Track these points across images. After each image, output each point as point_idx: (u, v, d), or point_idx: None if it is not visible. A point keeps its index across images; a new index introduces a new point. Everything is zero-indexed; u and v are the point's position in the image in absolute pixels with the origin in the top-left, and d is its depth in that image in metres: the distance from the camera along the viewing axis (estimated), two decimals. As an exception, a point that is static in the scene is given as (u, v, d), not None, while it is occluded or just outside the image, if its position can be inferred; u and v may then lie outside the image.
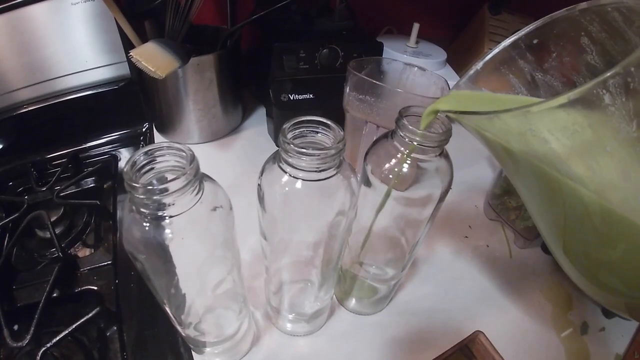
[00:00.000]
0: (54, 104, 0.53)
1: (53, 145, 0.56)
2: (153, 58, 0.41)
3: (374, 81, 0.42)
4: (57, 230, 0.48)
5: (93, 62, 0.52)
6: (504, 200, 0.51)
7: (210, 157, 0.59)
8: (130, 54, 0.39)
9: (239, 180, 0.54)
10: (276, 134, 0.58)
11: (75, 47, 0.51)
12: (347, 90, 0.46)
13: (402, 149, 0.27)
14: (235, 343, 0.36)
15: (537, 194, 0.21)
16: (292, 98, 0.53)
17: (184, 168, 0.21)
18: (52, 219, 0.47)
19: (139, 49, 0.41)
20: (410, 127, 0.26)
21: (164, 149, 0.22)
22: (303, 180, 0.24)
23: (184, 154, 0.22)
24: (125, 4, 0.46)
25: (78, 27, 0.50)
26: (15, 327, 0.40)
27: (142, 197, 0.20)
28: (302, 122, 0.25)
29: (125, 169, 0.20)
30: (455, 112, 0.21)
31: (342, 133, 0.24)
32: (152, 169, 0.22)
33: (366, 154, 0.30)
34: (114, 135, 0.60)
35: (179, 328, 0.31)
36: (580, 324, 0.42)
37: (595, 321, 0.43)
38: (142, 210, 0.21)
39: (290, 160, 0.23)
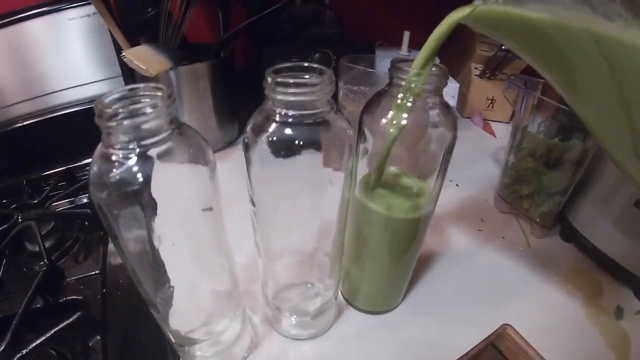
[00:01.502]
0: (49, 118, 0.54)
1: (49, 162, 0.56)
2: (145, 58, 0.41)
3: (367, 69, 0.42)
4: (47, 244, 0.46)
5: (89, 76, 0.53)
6: (515, 189, 0.48)
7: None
8: (123, 53, 0.40)
9: (235, 191, 0.52)
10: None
11: (71, 62, 0.53)
12: (341, 84, 0.46)
13: (400, 96, 0.25)
14: (226, 347, 0.32)
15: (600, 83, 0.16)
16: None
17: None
18: (43, 233, 0.46)
19: (132, 49, 0.41)
20: (406, 68, 0.24)
21: (140, 89, 0.21)
22: (292, 123, 0.22)
23: (159, 92, 0.21)
24: (120, 17, 0.48)
25: (74, 42, 0.51)
26: None
27: (112, 124, 0.18)
28: (286, 68, 0.24)
29: (97, 101, 0.19)
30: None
31: (333, 77, 0.23)
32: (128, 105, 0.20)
33: (361, 113, 0.28)
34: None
35: (163, 327, 0.28)
36: (614, 309, 0.39)
37: (630, 305, 0.39)
38: (114, 148, 0.19)
39: (277, 96, 0.22)
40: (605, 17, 0.14)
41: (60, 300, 0.40)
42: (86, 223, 0.49)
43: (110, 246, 0.45)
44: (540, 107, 0.45)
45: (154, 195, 0.21)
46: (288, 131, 0.23)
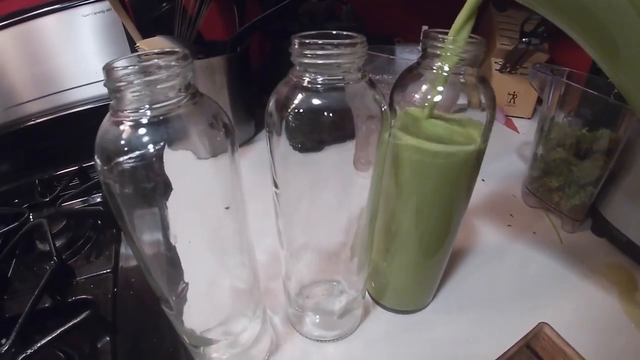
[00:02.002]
0: (62, 116, 0.53)
1: (61, 160, 0.55)
2: (160, 48, 0.40)
3: (390, 56, 0.41)
4: (58, 243, 0.45)
5: (102, 73, 0.52)
6: (544, 182, 0.46)
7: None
8: (137, 44, 0.39)
9: (255, 188, 0.50)
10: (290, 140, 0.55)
11: (85, 59, 0.52)
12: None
13: (434, 68, 0.23)
14: (244, 349, 0.30)
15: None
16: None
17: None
18: (54, 231, 0.44)
19: (147, 40, 0.41)
20: (440, 36, 0.23)
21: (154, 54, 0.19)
22: (320, 90, 0.21)
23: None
24: (133, 12, 0.47)
25: (88, 38, 0.51)
26: (3, 340, 0.34)
27: (121, 83, 0.17)
28: (314, 34, 0.22)
29: (106, 64, 0.18)
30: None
31: (366, 42, 0.21)
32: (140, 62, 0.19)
33: (391, 92, 0.26)
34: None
35: (177, 325, 0.26)
36: (650, 304, 0.36)
37: (666, 300, 0.36)
38: (123, 112, 0.18)
39: (304, 60, 0.20)
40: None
41: (69, 300, 0.38)
42: (99, 222, 0.47)
43: (123, 245, 0.43)
44: (567, 95, 0.43)
45: (168, 177, 0.19)
46: (316, 101, 0.21)
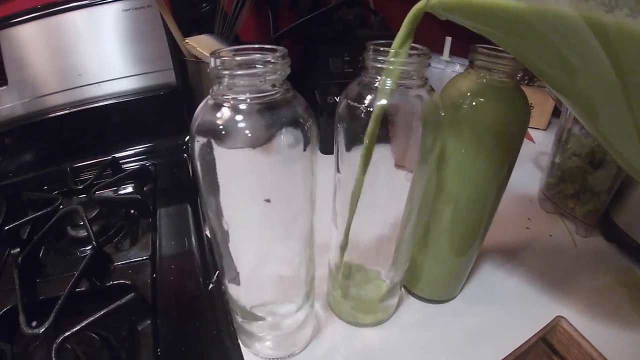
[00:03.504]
0: (94, 108, 0.54)
1: (90, 152, 0.56)
2: (207, 46, 0.42)
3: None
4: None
5: (139, 68, 0.54)
6: (561, 189, 0.49)
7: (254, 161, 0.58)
8: (186, 40, 0.41)
9: (281, 179, 0.52)
10: (323, 143, 0.57)
11: (120, 53, 0.53)
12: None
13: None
14: (288, 332, 0.31)
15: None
16: (338, 100, 0.53)
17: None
18: (88, 218, 0.45)
19: (194, 37, 0.42)
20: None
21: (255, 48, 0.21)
22: (389, 90, 0.23)
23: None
24: (173, 11, 0.49)
25: (126, 33, 0.52)
26: (34, 323, 0.34)
27: (226, 72, 0.18)
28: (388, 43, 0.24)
29: (213, 51, 0.19)
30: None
31: (430, 54, 0.23)
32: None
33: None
34: (154, 145, 0.59)
35: (230, 296, 0.27)
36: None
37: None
38: (224, 97, 0.20)
39: (378, 65, 0.22)
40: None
41: (108, 284, 0.39)
42: (132, 211, 0.48)
43: (159, 234, 0.44)
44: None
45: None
46: (383, 101, 0.23)
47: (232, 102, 0.20)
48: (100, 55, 0.53)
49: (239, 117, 0.20)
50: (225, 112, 0.20)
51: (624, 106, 0.14)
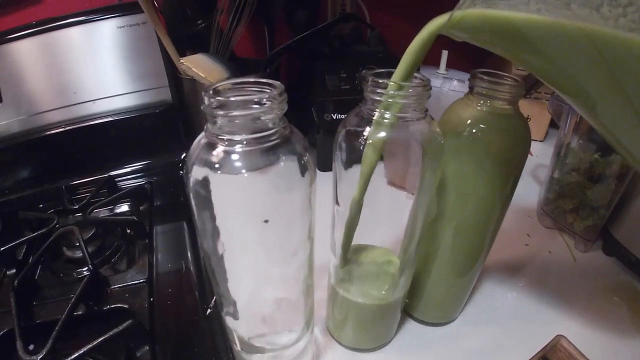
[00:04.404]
0: (90, 126, 0.53)
1: (87, 169, 0.56)
2: (202, 66, 0.42)
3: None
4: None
5: (133, 86, 0.53)
6: (560, 204, 0.49)
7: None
8: (181, 60, 0.41)
9: (279, 202, 0.52)
10: (320, 161, 0.57)
11: (116, 70, 0.53)
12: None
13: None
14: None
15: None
16: (334, 117, 0.53)
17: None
18: (83, 239, 0.44)
19: (189, 57, 0.42)
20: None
21: (250, 82, 0.21)
22: (388, 122, 0.22)
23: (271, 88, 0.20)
24: (167, 28, 0.49)
25: (121, 50, 0.52)
26: (31, 346, 0.34)
27: (220, 112, 0.18)
28: (385, 73, 0.23)
29: (206, 87, 0.19)
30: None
31: (430, 84, 0.23)
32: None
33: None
34: (150, 163, 0.58)
35: (229, 327, 0.27)
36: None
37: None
38: (218, 138, 0.19)
39: (376, 97, 0.22)
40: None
41: (105, 308, 0.39)
42: (128, 231, 0.48)
43: (156, 256, 0.44)
44: (582, 122, 0.46)
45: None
46: (382, 134, 0.23)
47: (227, 143, 0.19)
48: (96, 72, 0.53)
49: (234, 157, 0.19)
50: (220, 152, 0.19)
51: None
